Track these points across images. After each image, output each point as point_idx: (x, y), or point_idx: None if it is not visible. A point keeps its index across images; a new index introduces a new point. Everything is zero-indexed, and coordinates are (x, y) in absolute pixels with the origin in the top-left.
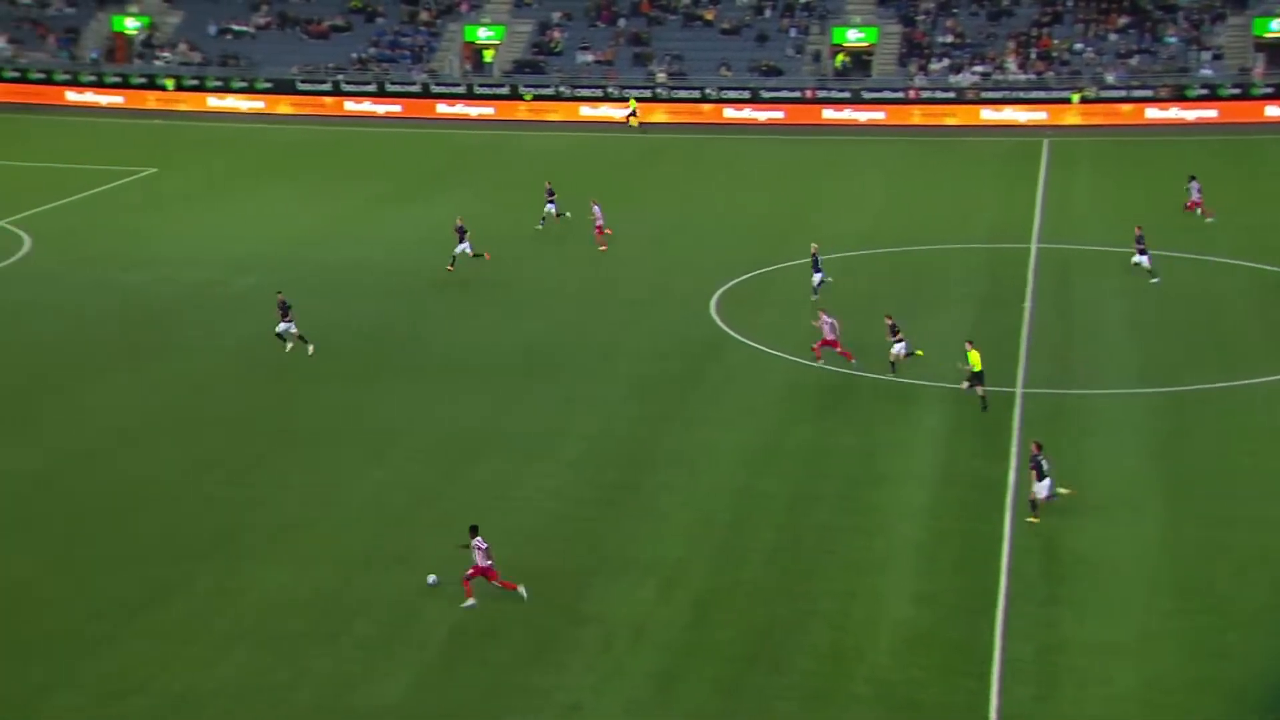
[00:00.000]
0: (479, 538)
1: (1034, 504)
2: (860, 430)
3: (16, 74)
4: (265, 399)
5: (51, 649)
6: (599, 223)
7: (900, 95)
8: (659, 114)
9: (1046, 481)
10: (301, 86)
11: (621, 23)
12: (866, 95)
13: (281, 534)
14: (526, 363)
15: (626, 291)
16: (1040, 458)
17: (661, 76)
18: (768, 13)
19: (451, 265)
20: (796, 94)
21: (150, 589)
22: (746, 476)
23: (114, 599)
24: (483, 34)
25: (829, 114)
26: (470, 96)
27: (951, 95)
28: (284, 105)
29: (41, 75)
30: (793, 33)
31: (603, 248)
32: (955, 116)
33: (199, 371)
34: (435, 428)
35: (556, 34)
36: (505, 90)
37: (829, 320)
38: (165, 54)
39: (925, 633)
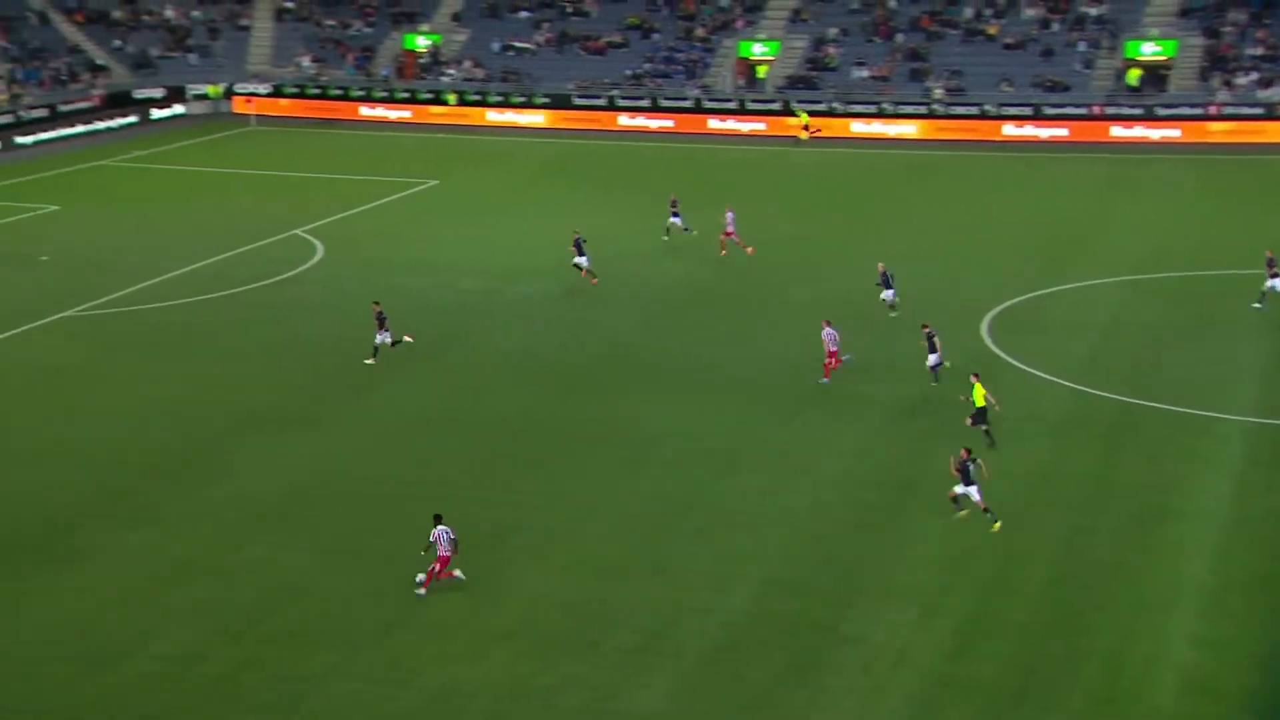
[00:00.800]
0: (443, 526)
1: (955, 499)
2: (1142, 462)
3: (318, 91)
4: (535, 405)
5: (331, 637)
6: (729, 229)
7: (1199, 111)
8: (933, 130)
9: (973, 487)
10: (578, 101)
11: (899, 38)
12: (1161, 111)
13: (546, 538)
14: (786, 377)
15: (882, 308)
16: (969, 462)
17: (939, 92)
18: (1055, 26)
19: (590, 275)
20: (1083, 110)
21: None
22: (1017, 506)
23: (390, 591)
24: (757, 49)
25: (1117, 131)
26: (742, 112)
27: (1260, 111)
28: (560, 120)
29: (339, 92)
30: (1082, 46)
31: (724, 252)
32: (1264, 134)
33: (474, 375)
34: (690, 439)
35: (832, 49)
36: (777, 106)
37: (831, 332)
38: (451, 70)
39: (1210, 678)
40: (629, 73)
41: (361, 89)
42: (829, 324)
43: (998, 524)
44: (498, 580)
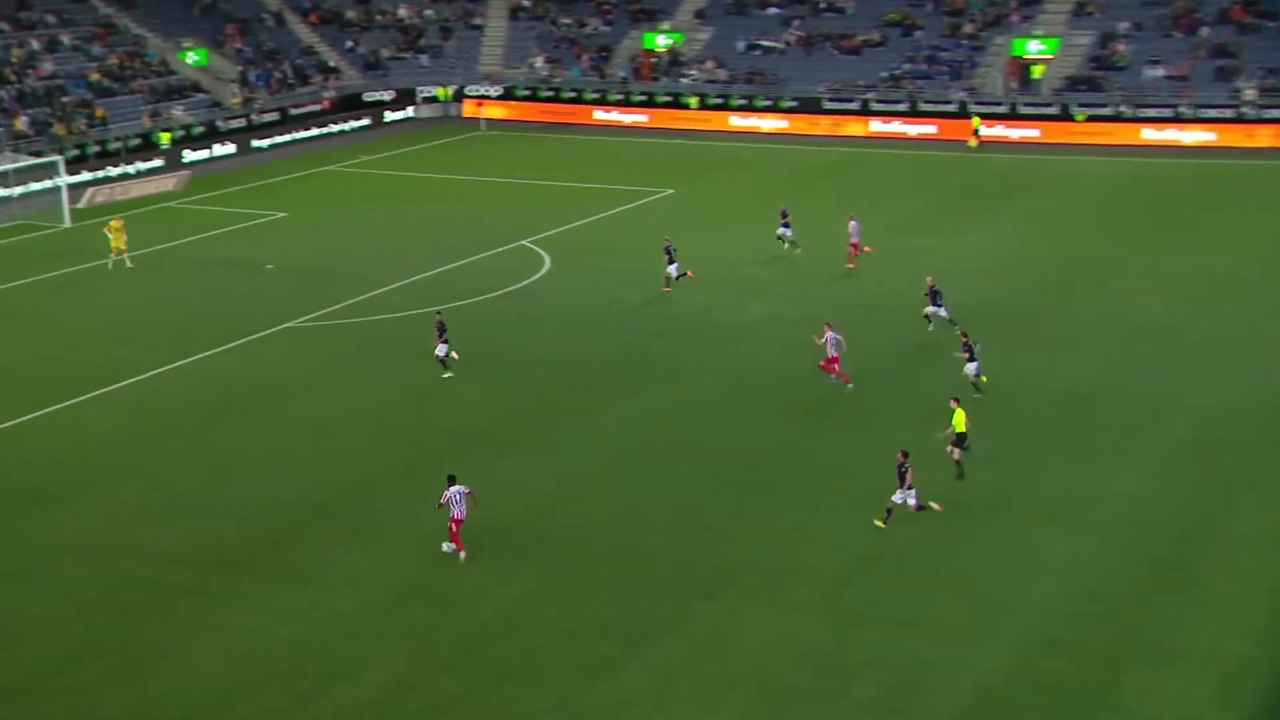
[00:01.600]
0: (457, 486)
1: (889, 510)
2: None
3: (550, 93)
4: (770, 431)
5: (550, 674)
6: (854, 240)
7: None
8: (1241, 137)
9: (912, 491)
10: (827, 105)
11: (1204, 32)
12: None
13: (782, 577)
14: (1060, 410)
15: (1189, 333)
16: (905, 466)
17: (1250, 94)
18: None
19: (667, 287)
20: None
21: (647, 622)
22: None
23: (616, 627)
24: (1033, 47)
25: None
26: (1013, 116)
27: None
28: (807, 125)
29: (573, 94)
30: None
31: (850, 265)
32: None
33: (705, 396)
34: (951, 477)
35: (1121, 46)
36: (1054, 110)
37: (834, 335)
38: (691, 71)
39: None
40: (886, 74)
41: (596, 91)
42: (831, 327)
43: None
44: (728, 621)
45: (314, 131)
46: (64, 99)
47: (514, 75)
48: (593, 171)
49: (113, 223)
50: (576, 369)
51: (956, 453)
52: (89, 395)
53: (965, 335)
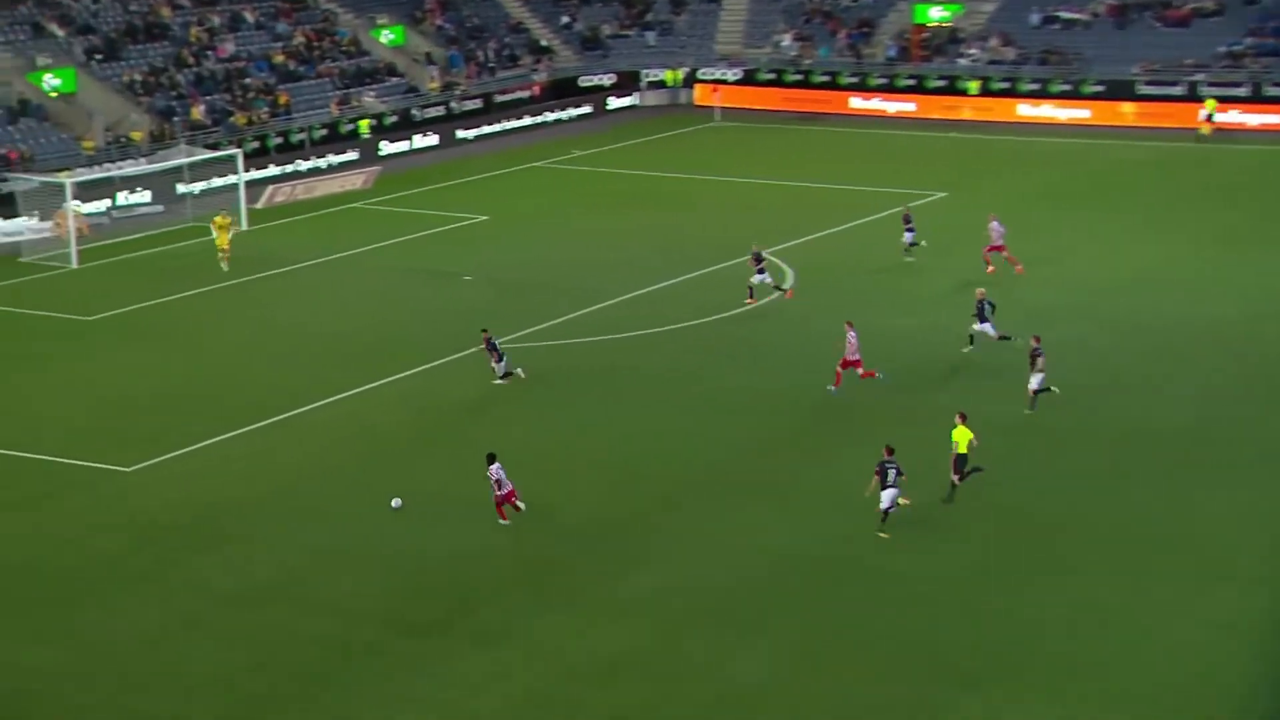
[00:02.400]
0: (496, 464)
1: (885, 515)
2: None
3: (799, 77)
4: (1060, 490)
5: None
6: (996, 243)
7: None
8: None
9: (891, 492)
10: (1142, 90)
11: None
12: None
13: (1069, 668)
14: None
15: None
16: (889, 464)
17: None
18: None
19: (751, 298)
20: None
21: (903, 713)
22: None
23: (868, 716)
24: None
25: None
26: None
27: None
28: (1113, 115)
29: (825, 78)
30: None
31: (990, 269)
32: None
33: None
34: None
35: None
36: None
37: (854, 336)
38: (971, 50)
39: None
40: (1223, 49)
41: (854, 75)
42: (852, 326)
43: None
44: (1005, 717)
45: (521, 122)
46: (245, 82)
47: (756, 56)
48: (847, 170)
49: (218, 218)
50: (819, 403)
51: (955, 478)
52: (265, 422)
53: (1037, 340)
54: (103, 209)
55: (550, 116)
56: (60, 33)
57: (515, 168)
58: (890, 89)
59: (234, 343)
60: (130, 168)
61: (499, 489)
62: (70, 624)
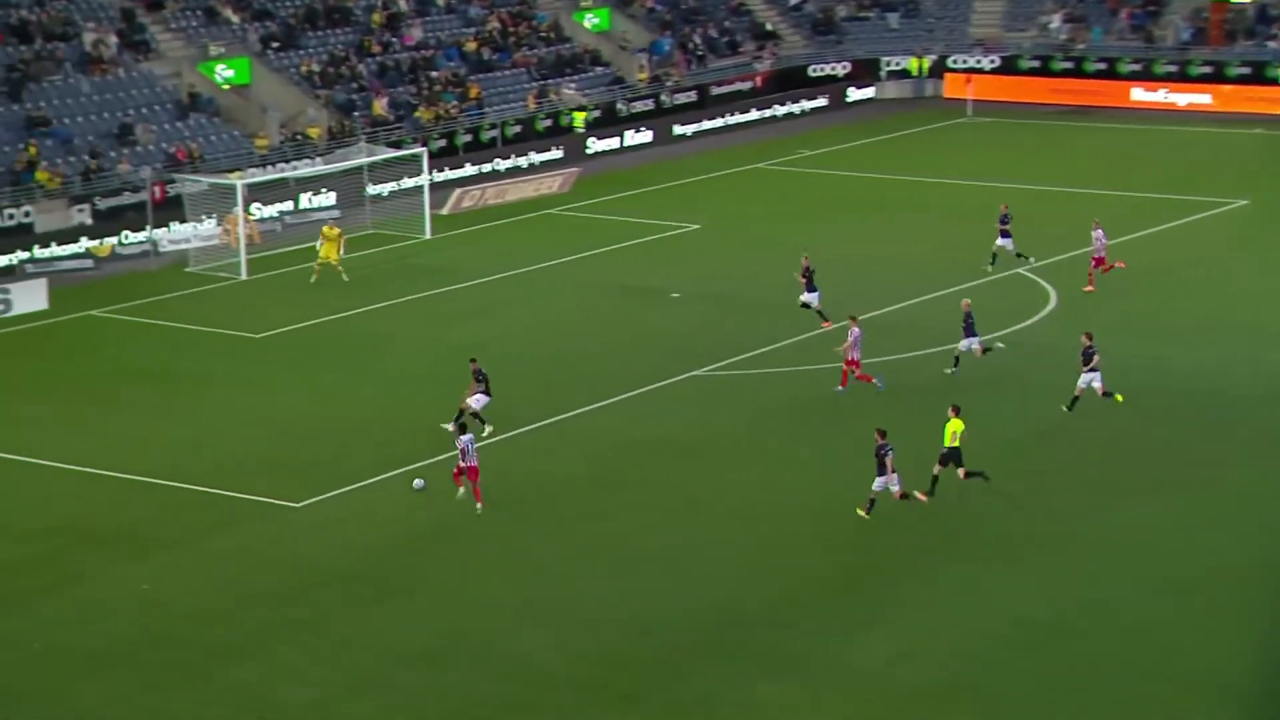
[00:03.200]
0: (468, 436)
1: (872, 501)
2: None
3: (1069, 65)
4: None
5: None
6: (1100, 254)
7: None
8: None
9: (894, 477)
10: None
11: None
12: None
13: None
14: None
15: None
16: (886, 448)
17: None
18: None
19: (825, 320)
20: None
21: None
22: None
23: None
24: None
25: None
26: None
27: None
28: None
29: (1101, 66)
30: None
31: (1088, 289)
32: None
33: (1262, 503)
34: None
35: None
36: None
37: (857, 332)
38: None
39: None
40: None
41: (1136, 61)
42: (856, 322)
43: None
44: None
45: (742, 117)
46: (432, 73)
47: (1018, 40)
48: (1127, 174)
49: (326, 229)
50: (1087, 447)
51: (936, 469)
52: (442, 456)
53: (1089, 338)
54: (275, 214)
55: (775, 111)
56: (235, 18)
57: (733, 169)
58: (1181, 78)
59: (412, 364)
60: (305, 168)
61: (463, 459)
62: (226, 678)
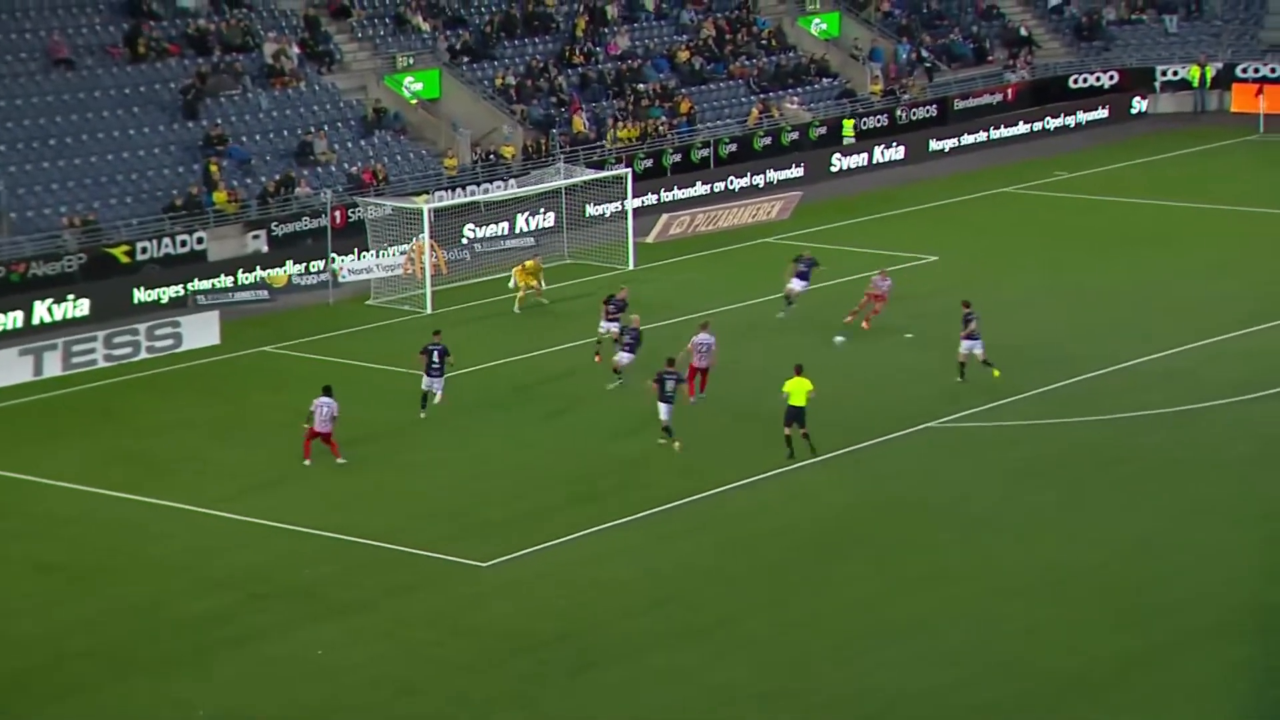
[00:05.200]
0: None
1: (668, 430)
2: None
3: None
4: None
5: None
6: None
7: None
8: None
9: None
10: None
11: None
12: None
13: None
14: None
15: None
16: (669, 375)
17: None
18: None
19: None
20: None
21: None
22: None
23: None
24: None
25: None
26: None
27: None
28: None
29: None
30: None
31: None
32: None
33: None
34: None
35: None
36: None
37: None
38: None
39: None
40: None
41: None
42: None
43: (677, 444)
44: None
45: (990, 134)
46: (640, 85)
47: None
48: None
49: (529, 264)
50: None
51: (788, 429)
52: (645, 513)
53: (968, 305)
54: (463, 241)
55: (1028, 127)
56: (425, 26)
57: (978, 193)
58: None
59: (606, 411)
60: (496, 192)
61: (308, 421)
62: None
